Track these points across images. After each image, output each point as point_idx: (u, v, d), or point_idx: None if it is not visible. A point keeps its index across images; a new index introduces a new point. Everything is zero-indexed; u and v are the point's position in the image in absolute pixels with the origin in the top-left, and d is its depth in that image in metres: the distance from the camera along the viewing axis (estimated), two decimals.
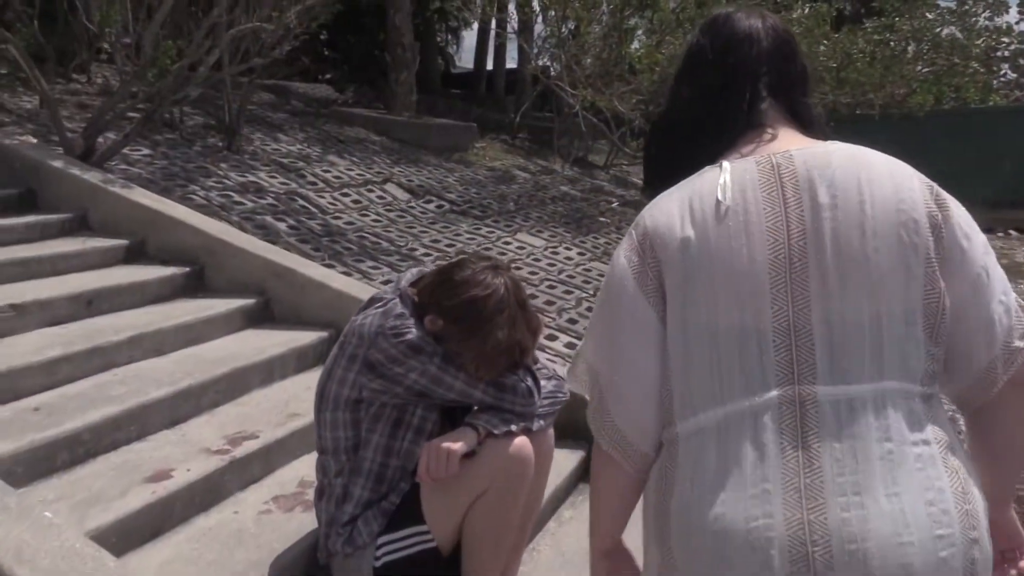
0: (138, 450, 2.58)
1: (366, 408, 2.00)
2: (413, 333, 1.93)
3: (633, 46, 10.17)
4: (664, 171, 1.29)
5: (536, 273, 6.03)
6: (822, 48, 9.56)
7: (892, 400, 1.06)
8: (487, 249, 6.30)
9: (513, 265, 6.05)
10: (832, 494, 1.03)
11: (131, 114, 5.69)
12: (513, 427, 1.95)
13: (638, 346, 1.16)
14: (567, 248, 7.05)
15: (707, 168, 1.21)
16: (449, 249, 6.08)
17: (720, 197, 1.14)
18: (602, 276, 6.45)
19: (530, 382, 2.00)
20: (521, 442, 1.94)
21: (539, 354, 2.20)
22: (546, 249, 6.85)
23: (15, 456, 2.29)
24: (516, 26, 13.16)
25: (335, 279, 3.69)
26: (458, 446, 1.87)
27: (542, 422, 2.03)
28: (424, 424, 2.04)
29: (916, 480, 1.03)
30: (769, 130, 1.23)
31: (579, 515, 2.90)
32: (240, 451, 2.58)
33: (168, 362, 3.11)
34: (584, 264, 6.71)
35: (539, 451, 2.00)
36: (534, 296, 5.49)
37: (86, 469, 2.44)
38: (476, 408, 2.03)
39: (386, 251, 5.82)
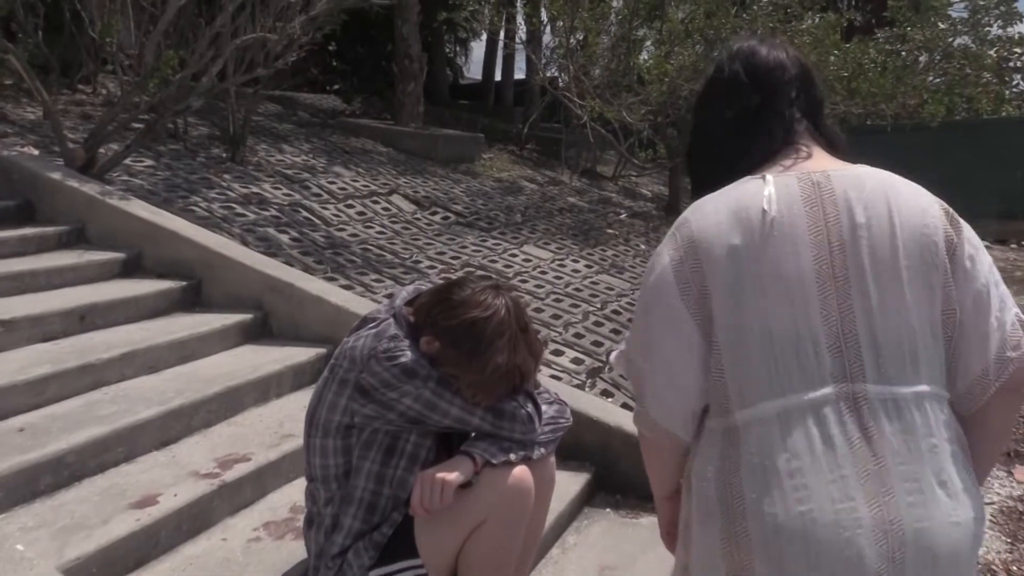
0: (126, 473, 2.48)
1: (358, 434, 1.91)
2: (407, 356, 1.84)
3: (642, 57, 10.08)
4: (707, 181, 1.40)
5: (542, 286, 5.93)
6: (832, 59, 9.45)
7: (928, 402, 1.21)
8: (492, 262, 6.20)
9: (519, 278, 5.96)
10: (897, 480, 1.17)
11: (135, 125, 5.63)
12: (512, 456, 1.85)
13: (673, 343, 1.26)
14: (574, 260, 6.95)
15: (747, 179, 1.32)
16: (454, 261, 5.99)
17: (766, 207, 1.25)
18: (610, 289, 6.34)
19: (531, 408, 1.90)
20: (521, 472, 1.83)
21: (541, 378, 2.10)
22: (553, 261, 6.75)
23: None
24: (524, 37, 13.13)
25: (334, 294, 3.60)
26: (453, 476, 1.76)
27: (543, 450, 1.93)
28: (418, 451, 1.94)
29: (954, 470, 1.20)
30: (804, 148, 1.35)
31: (584, 540, 2.79)
32: (231, 474, 2.49)
33: (160, 380, 3.03)
34: (592, 277, 6.61)
35: (540, 480, 1.90)
36: (540, 310, 5.39)
37: (70, 493, 2.34)
38: (473, 435, 1.92)
39: (390, 263, 5.73)
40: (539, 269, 6.40)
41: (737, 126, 1.39)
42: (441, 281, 2.06)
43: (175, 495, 2.33)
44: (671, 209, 10.22)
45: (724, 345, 1.24)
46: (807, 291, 1.21)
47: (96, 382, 2.90)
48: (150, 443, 2.64)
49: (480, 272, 5.78)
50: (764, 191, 1.26)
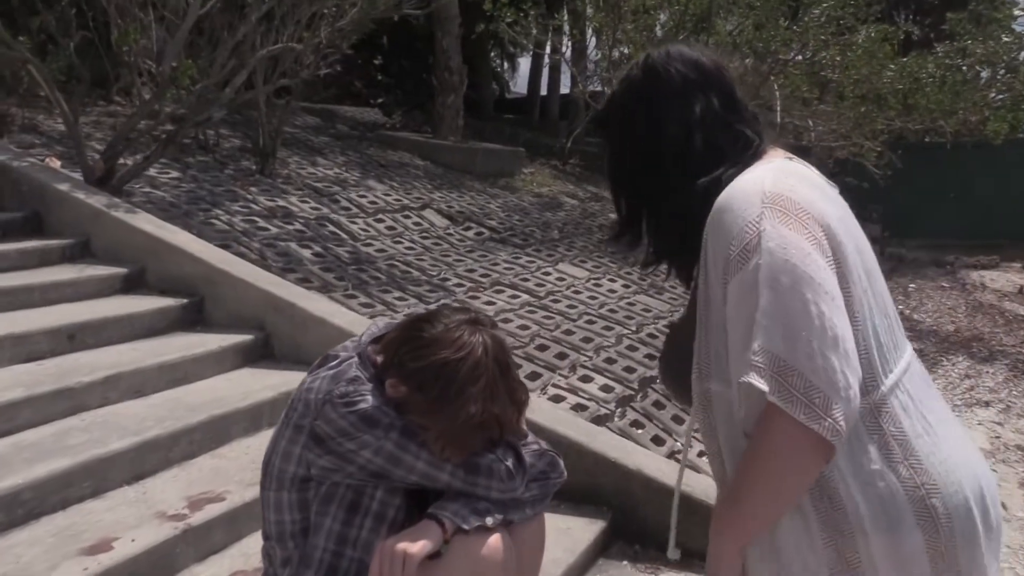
0: (88, 511, 2.27)
1: (316, 487, 1.65)
2: (368, 402, 1.58)
3: None
4: (676, 194, 1.31)
5: (575, 306, 5.64)
6: (888, 73, 9.03)
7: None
8: (524, 280, 5.94)
9: (551, 297, 5.68)
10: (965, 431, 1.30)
11: (159, 136, 5.53)
12: (489, 520, 1.57)
13: (846, 326, 1.13)
14: (611, 280, 6.65)
15: (779, 160, 1.29)
16: (484, 279, 5.75)
17: (830, 185, 1.32)
18: (647, 311, 6.02)
19: (511, 462, 1.62)
20: (496, 540, 1.55)
21: (537, 420, 1.82)
22: (588, 280, 6.46)
23: None
24: (569, 51, 12.90)
25: (338, 315, 3.37)
26: (417, 548, 1.49)
27: (528, 511, 1.64)
28: (385, 510, 1.67)
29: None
30: (769, 142, 1.35)
31: None
32: (199, 517, 2.26)
33: (146, 406, 2.83)
34: (628, 297, 6.30)
35: (526, 547, 1.61)
36: (571, 332, 5.11)
37: (23, 533, 2.14)
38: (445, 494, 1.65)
39: (416, 280, 5.51)
40: (573, 288, 6.11)
41: (705, 130, 1.29)
42: (412, 314, 1.81)
43: (132, 540, 2.11)
44: None
45: (863, 319, 1.20)
46: (876, 264, 1.28)
47: (75, 407, 2.71)
48: (121, 477, 2.43)
49: (459, 303, 5.48)
50: (810, 172, 1.29)
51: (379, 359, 1.65)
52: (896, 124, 9.38)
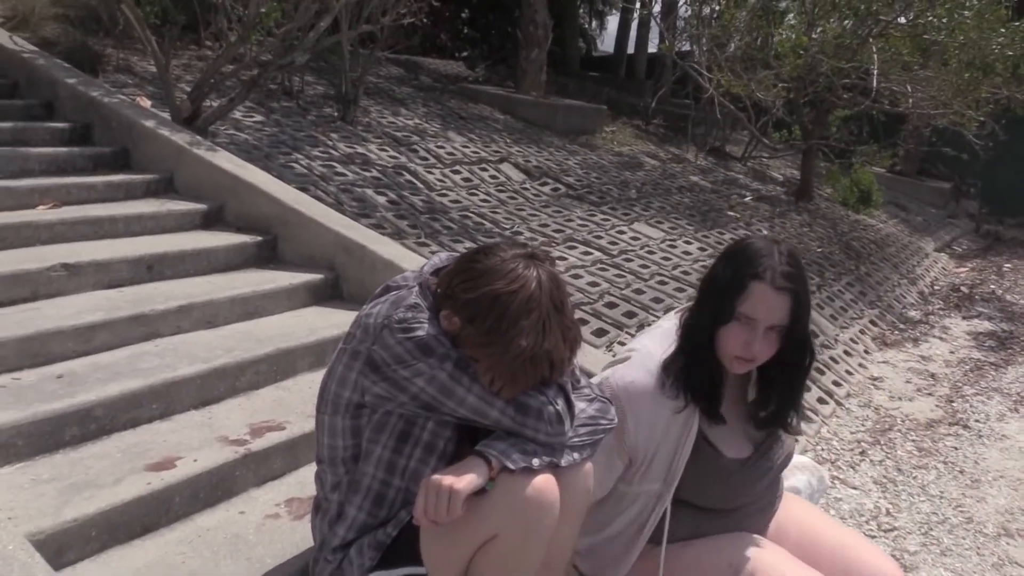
0: (155, 431, 2.35)
1: (369, 415, 1.66)
2: (425, 330, 1.57)
3: (783, 33, 9.34)
4: None
5: (647, 267, 5.55)
6: (999, 38, 8.44)
7: None
8: (598, 237, 5.86)
9: (623, 256, 5.60)
10: None
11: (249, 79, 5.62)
12: (535, 461, 1.54)
13: None
14: (687, 242, 6.51)
15: None
16: (557, 235, 5.70)
17: None
18: None
19: (561, 405, 1.59)
20: (542, 482, 1.53)
21: (580, 372, 1.78)
22: (663, 242, 6.34)
23: (15, 427, 2.10)
24: (659, 4, 12.54)
25: (407, 260, 3.38)
26: (464, 484, 1.48)
27: (576, 456, 1.61)
28: (435, 441, 1.67)
29: None
30: None
31: None
32: (259, 443, 2.31)
33: (216, 336, 2.90)
34: (703, 260, 6.15)
35: (569, 492, 1.59)
36: (640, 291, 5.03)
37: (95, 448, 2.23)
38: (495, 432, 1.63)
39: (488, 232, 5.50)
40: (647, 248, 6.00)
41: None
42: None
43: (195, 460, 2.18)
44: (802, 194, 9.51)
45: None
46: None
47: (149, 333, 2.80)
48: (188, 401, 2.51)
49: (524, 238, 5.43)
50: None
51: (438, 290, 1.64)
52: (1002, 93, 8.80)
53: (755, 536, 1.89)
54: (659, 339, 1.88)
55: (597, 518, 1.90)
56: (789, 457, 1.97)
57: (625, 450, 1.81)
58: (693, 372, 1.77)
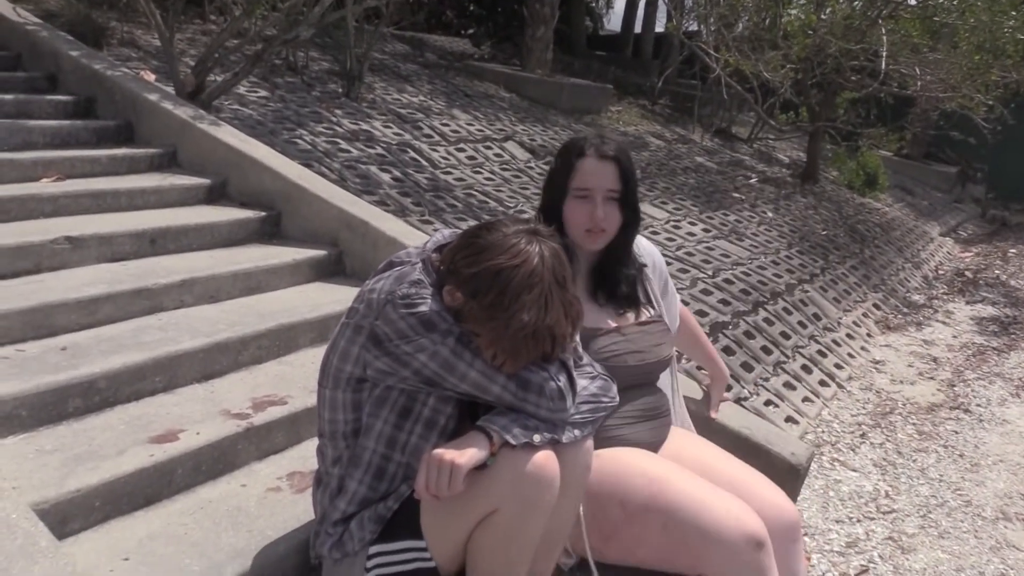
0: (158, 403, 2.36)
1: (370, 389, 1.67)
2: (428, 305, 1.57)
3: (792, 13, 9.26)
4: None
5: None
6: (1010, 22, 8.36)
7: None
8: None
9: None
10: None
11: (249, 55, 5.58)
12: (536, 437, 1.55)
13: None
14: (691, 223, 6.50)
15: None
16: None
17: None
18: (726, 256, 5.86)
19: (563, 381, 1.59)
20: (542, 458, 1.53)
21: (582, 349, 1.78)
22: (667, 222, 6.33)
23: (19, 398, 2.11)
24: None
25: (410, 236, 3.37)
26: (465, 459, 1.48)
27: (577, 433, 1.62)
28: (436, 417, 1.68)
29: None
30: None
31: None
32: (262, 417, 2.32)
33: (219, 310, 2.90)
34: (707, 241, 6.15)
35: (569, 468, 1.59)
36: None
37: (99, 419, 2.24)
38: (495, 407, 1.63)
39: (492, 211, 5.49)
40: (651, 229, 5.99)
41: None
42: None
43: (197, 433, 2.19)
44: (808, 177, 9.47)
45: None
46: None
47: (152, 307, 2.80)
48: (191, 375, 2.51)
49: (529, 214, 5.42)
50: None
51: (440, 267, 1.63)
52: (1012, 77, 8.74)
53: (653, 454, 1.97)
54: None
55: None
56: (664, 363, 2.09)
57: None
58: None
